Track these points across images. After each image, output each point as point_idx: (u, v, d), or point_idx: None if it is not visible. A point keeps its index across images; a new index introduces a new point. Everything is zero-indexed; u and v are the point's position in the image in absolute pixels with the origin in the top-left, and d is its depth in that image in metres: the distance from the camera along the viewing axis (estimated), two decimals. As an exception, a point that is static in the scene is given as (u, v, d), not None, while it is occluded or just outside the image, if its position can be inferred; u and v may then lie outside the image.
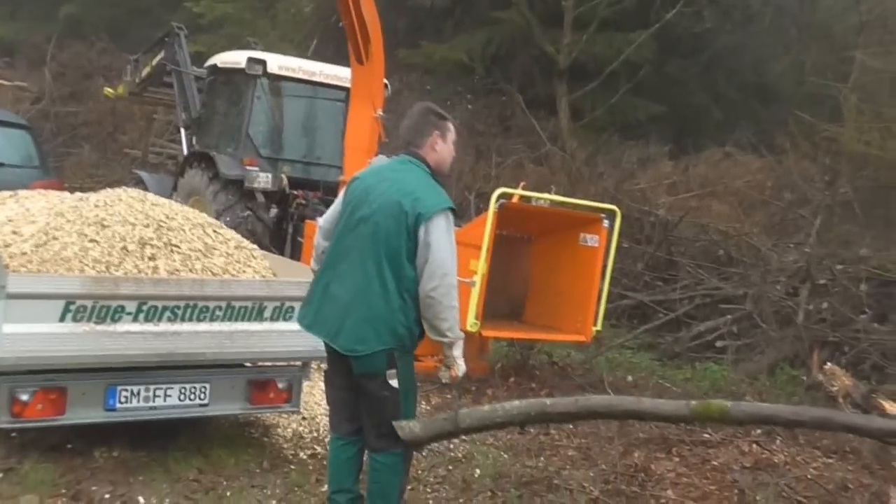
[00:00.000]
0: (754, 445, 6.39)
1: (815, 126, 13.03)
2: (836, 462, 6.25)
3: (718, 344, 9.50)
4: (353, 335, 3.97)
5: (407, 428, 3.99)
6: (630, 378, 8.33)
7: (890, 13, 15.11)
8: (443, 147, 4.23)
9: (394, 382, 4.00)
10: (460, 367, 4.10)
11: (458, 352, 4.09)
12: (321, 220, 4.42)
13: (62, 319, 4.43)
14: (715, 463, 5.94)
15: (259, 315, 4.99)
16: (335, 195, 9.01)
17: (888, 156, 12.21)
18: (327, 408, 6.25)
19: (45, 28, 21.30)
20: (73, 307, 4.44)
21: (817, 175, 12.72)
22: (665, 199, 12.38)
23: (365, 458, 4.26)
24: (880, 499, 5.49)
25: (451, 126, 4.29)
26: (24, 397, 4.46)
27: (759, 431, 6.76)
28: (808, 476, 5.80)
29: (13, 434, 4.93)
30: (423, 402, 6.85)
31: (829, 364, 8.20)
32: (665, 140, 16.94)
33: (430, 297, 3.94)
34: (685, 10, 17.07)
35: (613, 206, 7.89)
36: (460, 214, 12.66)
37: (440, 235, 3.95)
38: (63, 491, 4.56)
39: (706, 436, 6.56)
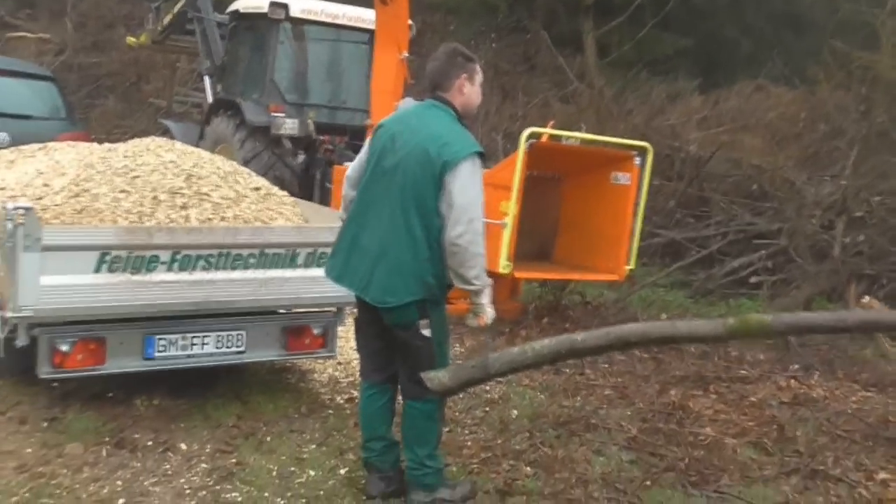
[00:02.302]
0: (792, 381, 6.36)
1: (849, 55, 12.70)
2: (875, 395, 6.21)
3: (753, 280, 9.40)
4: (383, 287, 3.90)
5: (436, 379, 3.82)
6: (664, 316, 8.27)
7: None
8: (470, 90, 4.08)
9: (427, 332, 3.94)
10: (489, 315, 4.02)
11: (486, 299, 3.99)
12: (348, 170, 4.30)
13: (98, 270, 4.45)
14: (753, 399, 5.92)
15: (292, 262, 4.98)
16: (362, 140, 8.96)
17: (926, 82, 11.92)
18: (361, 352, 6.31)
19: (64, -22, 21.14)
20: (108, 258, 4.45)
21: (852, 105, 12.43)
22: (696, 135, 12.17)
23: (399, 404, 4.24)
24: (921, 431, 5.45)
25: (478, 68, 4.14)
26: (65, 348, 4.51)
27: (796, 366, 6.72)
28: (848, 410, 5.77)
29: (55, 384, 5.00)
30: (457, 345, 6.85)
31: (866, 297, 8.10)
32: (694, 74, 16.62)
33: (455, 244, 3.82)
34: (713, -61, 16.60)
35: (645, 143, 7.76)
36: (488, 156, 12.58)
37: (466, 181, 3.83)
38: (106, 439, 4.63)
39: (743, 372, 6.54)
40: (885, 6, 12.92)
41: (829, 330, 4.85)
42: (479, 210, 3.88)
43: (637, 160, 7.51)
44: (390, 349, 4.10)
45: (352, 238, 4.04)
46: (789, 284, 9.18)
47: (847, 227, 9.38)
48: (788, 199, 10.39)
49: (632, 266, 7.74)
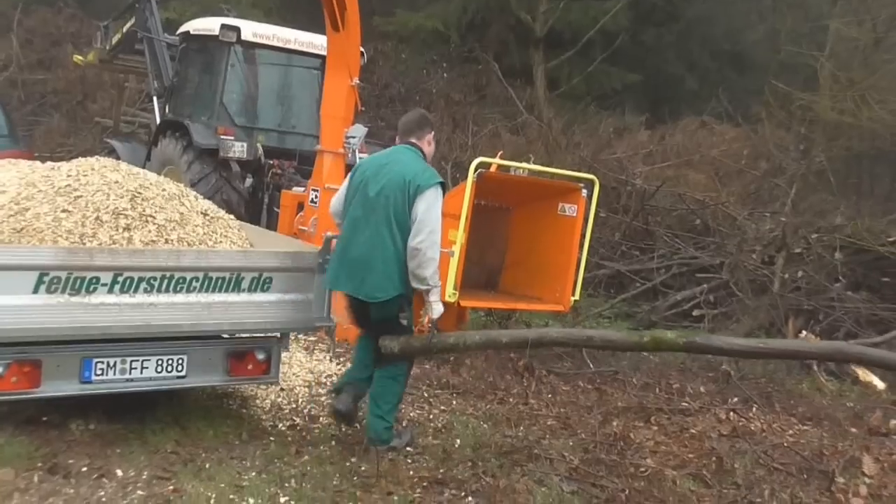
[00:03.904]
0: (731, 413, 6.45)
1: (790, 95, 13.09)
2: (811, 429, 6.33)
3: (695, 313, 9.56)
4: (374, 286, 4.92)
5: (388, 346, 5.02)
6: (607, 347, 8.35)
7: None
8: (433, 143, 5.38)
9: (404, 322, 5.10)
10: (436, 311, 5.02)
11: (434, 297, 4.99)
12: (334, 202, 5.34)
13: (36, 291, 4.35)
14: (693, 431, 6.00)
15: (237, 286, 4.92)
16: (311, 164, 8.98)
17: (861, 124, 12.30)
18: (306, 379, 6.29)
19: (11, -7, 20.81)
20: (46, 279, 4.36)
21: (792, 144, 12.81)
22: (641, 169, 12.39)
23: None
24: (854, 464, 5.56)
25: None
26: (-2, 370, 4.39)
27: (735, 399, 6.82)
28: (785, 443, 5.87)
29: (-13, 408, 4.86)
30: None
31: (804, 332, 8.29)
32: (641, 109, 16.95)
33: (415, 248, 4.84)
34: (661, -22, 17.01)
35: (592, 176, 7.86)
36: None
37: (431, 202, 4.90)
38: (39, 464, 4.50)
39: (684, 404, 6.62)
40: (825, 49, 13.35)
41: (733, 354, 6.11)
42: (437, 224, 4.93)
43: (584, 192, 7.59)
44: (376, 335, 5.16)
45: (341, 251, 5.03)
46: (730, 318, 9.35)
47: (786, 262, 9.60)
48: (730, 234, 10.62)
49: (577, 297, 7.81)
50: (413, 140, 5.24)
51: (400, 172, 4.97)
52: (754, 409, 6.63)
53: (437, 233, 4.89)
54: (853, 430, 6.36)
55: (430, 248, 4.85)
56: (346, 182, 5.30)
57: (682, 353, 8.34)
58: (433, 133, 5.39)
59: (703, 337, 5.52)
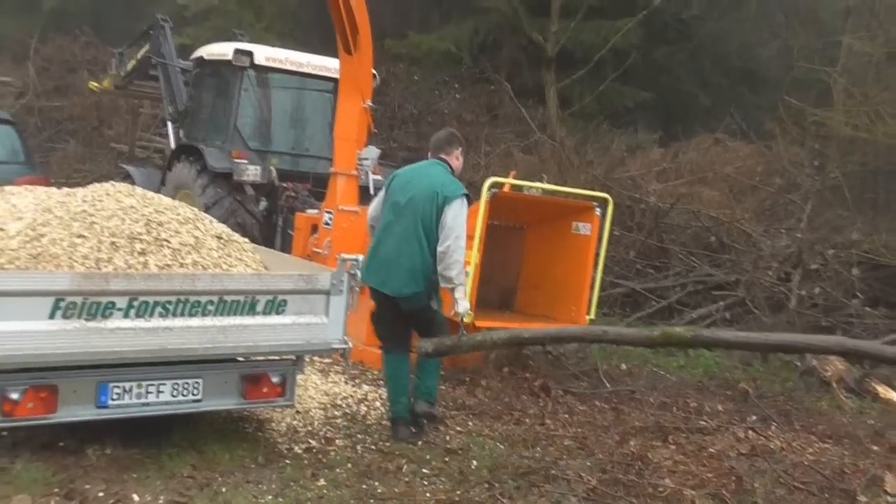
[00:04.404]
0: (750, 432, 6.40)
1: (803, 111, 13.05)
2: (831, 447, 6.26)
3: (711, 330, 9.49)
4: (401, 282, 5.56)
5: (423, 347, 5.54)
6: (624, 366, 8.31)
7: (876, -3, 15.10)
8: (461, 158, 6.01)
9: (434, 305, 5.74)
10: (462, 307, 5.57)
11: (460, 294, 5.56)
12: (371, 211, 6.03)
13: (52, 317, 4.36)
14: (712, 450, 5.94)
15: (251, 309, 4.92)
16: (324, 187, 9.01)
17: (876, 139, 12.24)
18: (321, 402, 6.28)
19: (28, 21, 21.06)
20: (62, 304, 4.37)
21: (806, 160, 12.74)
22: (655, 187, 12.35)
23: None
24: (876, 483, 5.50)
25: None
26: (15, 396, 4.39)
27: (754, 418, 6.77)
28: (805, 462, 5.80)
29: (4, 433, 4.87)
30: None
31: (822, 349, 8.21)
32: (654, 127, 16.94)
33: (443, 252, 5.48)
34: (672, -4, 17.05)
35: (605, 195, 7.85)
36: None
37: (457, 212, 5.53)
38: (56, 490, 4.50)
39: (702, 423, 6.56)
40: (837, 65, 13.31)
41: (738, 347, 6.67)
42: (462, 231, 5.55)
43: (598, 211, 7.59)
44: (407, 328, 5.83)
45: (373, 251, 5.70)
46: (747, 335, 9.27)
47: (802, 279, 9.54)
48: (745, 251, 10.56)
49: (592, 316, 7.79)
50: (442, 155, 5.88)
51: (429, 184, 5.61)
52: (773, 427, 6.57)
53: (462, 238, 5.53)
54: (874, 447, 6.29)
55: (455, 251, 5.48)
56: (382, 191, 5.97)
57: (699, 371, 8.32)
58: (461, 149, 6.00)
59: (710, 331, 6.52)
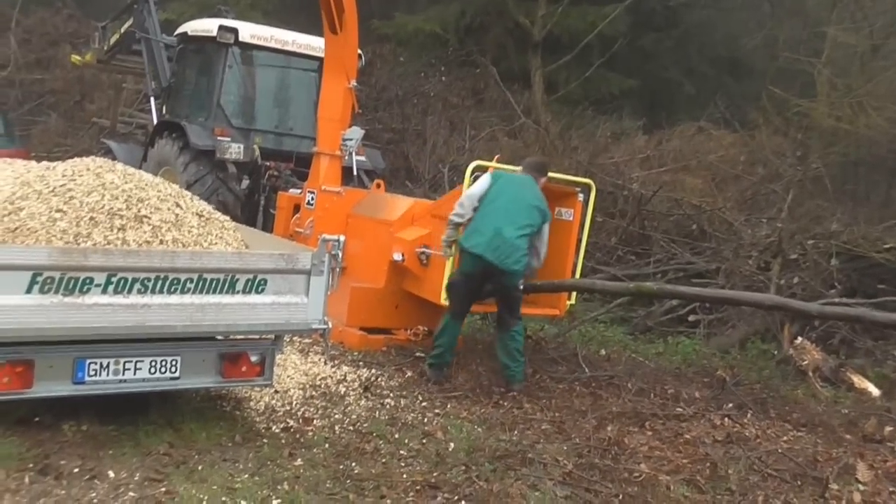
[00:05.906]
0: (726, 419, 6.44)
1: (787, 101, 13.10)
2: (805, 435, 6.31)
3: (691, 318, 9.54)
4: (514, 260, 6.63)
5: None
6: (603, 352, 8.34)
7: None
8: (544, 181, 7.15)
9: (521, 286, 6.83)
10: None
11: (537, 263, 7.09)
12: (467, 206, 6.81)
13: (29, 291, 4.32)
14: (687, 436, 5.98)
15: (231, 287, 4.90)
16: (307, 166, 8.98)
17: (858, 131, 12.31)
18: (300, 382, 6.28)
19: (9, -7, 20.80)
20: (40, 279, 4.33)
21: (789, 150, 12.80)
22: (638, 174, 12.38)
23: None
24: (848, 471, 5.55)
25: None
26: (-10, 370, 4.37)
27: (730, 405, 6.82)
28: (779, 449, 5.85)
29: (-22, 408, 4.84)
30: (398, 376, 6.85)
31: (799, 338, 8.28)
32: (638, 114, 16.95)
33: (538, 251, 6.97)
34: (660, -17, 17.03)
35: (588, 180, 7.86)
36: (434, 187, 12.65)
37: (547, 228, 6.95)
38: (31, 465, 4.48)
39: (679, 409, 6.60)
40: (822, 56, 13.36)
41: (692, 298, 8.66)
42: (546, 243, 7.07)
43: (580, 196, 7.61)
44: (473, 302, 7.05)
45: (496, 231, 6.62)
46: (726, 324, 9.34)
47: (782, 268, 9.58)
48: (726, 239, 10.60)
49: (573, 301, 7.82)
50: (535, 175, 7.03)
51: (534, 195, 6.85)
52: (749, 415, 6.62)
53: (546, 245, 7.02)
54: (848, 436, 6.35)
55: (544, 255, 7.04)
56: (481, 185, 6.82)
57: (677, 358, 8.38)
58: (546, 179, 7.14)
59: (671, 286, 8.47)
